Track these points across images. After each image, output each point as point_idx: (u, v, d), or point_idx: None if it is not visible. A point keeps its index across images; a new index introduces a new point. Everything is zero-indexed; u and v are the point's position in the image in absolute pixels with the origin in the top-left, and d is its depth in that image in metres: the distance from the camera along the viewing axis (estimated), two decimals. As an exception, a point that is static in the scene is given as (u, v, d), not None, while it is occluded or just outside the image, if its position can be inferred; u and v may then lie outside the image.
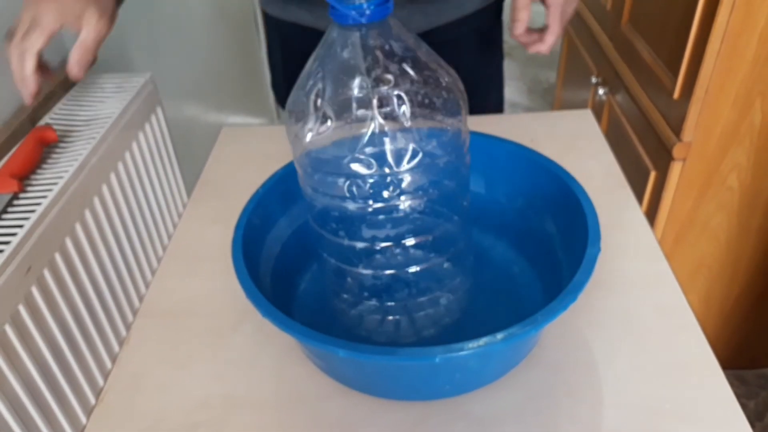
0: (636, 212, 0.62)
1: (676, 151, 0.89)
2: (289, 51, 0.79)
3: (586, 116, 0.78)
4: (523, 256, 0.55)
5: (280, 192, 0.53)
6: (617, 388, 0.45)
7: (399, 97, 0.37)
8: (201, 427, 0.44)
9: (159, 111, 0.70)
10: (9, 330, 0.48)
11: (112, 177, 0.60)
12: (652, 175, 0.97)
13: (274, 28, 0.78)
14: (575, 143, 0.73)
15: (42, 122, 0.62)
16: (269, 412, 0.45)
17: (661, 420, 0.43)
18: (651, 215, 0.98)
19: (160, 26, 1.11)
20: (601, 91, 1.21)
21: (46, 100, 0.64)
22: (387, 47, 0.38)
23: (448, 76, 0.40)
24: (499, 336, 0.37)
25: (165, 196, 0.71)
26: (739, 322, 1.11)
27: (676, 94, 0.89)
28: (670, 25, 0.91)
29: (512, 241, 0.56)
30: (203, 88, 1.24)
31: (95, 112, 0.62)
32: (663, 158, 0.93)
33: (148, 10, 1.08)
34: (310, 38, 0.48)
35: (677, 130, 0.89)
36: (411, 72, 0.38)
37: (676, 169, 0.91)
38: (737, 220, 0.97)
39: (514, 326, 0.38)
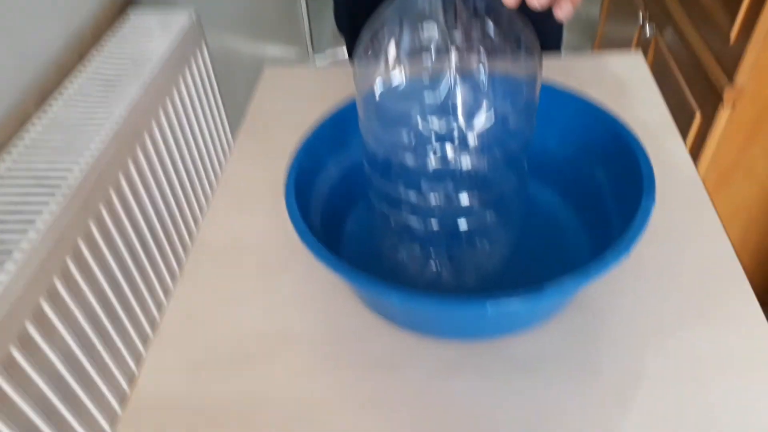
0: (687, 162, 0.61)
1: (727, 94, 0.86)
2: None
3: (637, 60, 0.75)
4: (570, 205, 0.55)
5: (329, 136, 0.54)
6: (660, 336, 0.46)
7: (475, 49, 0.36)
8: (253, 357, 0.47)
9: (204, 47, 0.70)
10: (72, 266, 0.50)
11: (161, 115, 0.61)
12: (698, 117, 0.95)
13: None
14: (625, 88, 0.71)
15: (90, 63, 0.63)
16: (318, 347, 0.47)
17: (704, 368, 0.44)
18: (693, 158, 0.96)
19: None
20: (648, 29, 1.16)
21: (94, 39, 0.64)
22: None
23: (526, 32, 0.39)
24: (550, 286, 0.38)
25: (210, 134, 0.72)
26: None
27: (732, 35, 0.85)
28: (729, -40, 0.86)
29: (559, 189, 0.56)
30: (241, 19, 1.22)
31: (142, 51, 0.62)
32: (711, 101, 0.90)
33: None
34: None
35: (730, 73, 0.86)
36: (490, 25, 0.37)
37: (724, 113, 0.88)
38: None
39: (565, 277, 0.38)
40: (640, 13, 1.21)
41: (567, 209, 0.55)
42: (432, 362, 0.46)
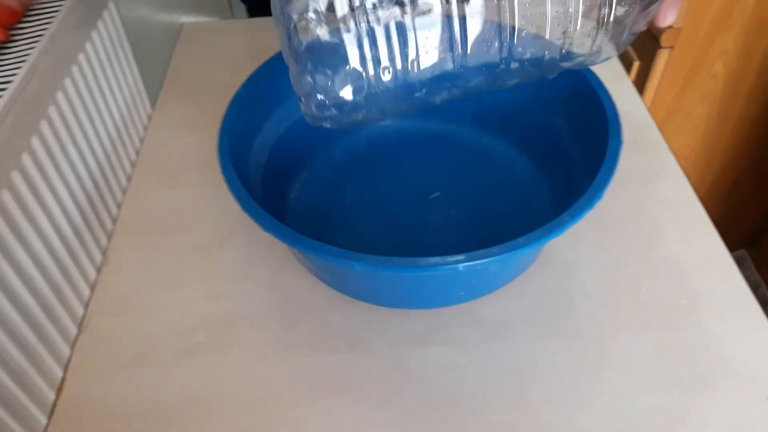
0: (639, 105, 0.59)
1: (665, 38, 0.86)
2: None
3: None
4: (527, 155, 0.52)
5: (262, 92, 0.48)
6: (632, 286, 0.44)
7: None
8: (201, 349, 0.42)
9: (111, 5, 0.62)
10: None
11: (67, 82, 0.54)
12: (636, 64, 0.94)
13: None
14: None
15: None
16: (272, 328, 0.43)
17: (678, 315, 0.42)
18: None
19: None
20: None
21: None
22: None
23: None
24: (524, 241, 0.34)
25: (126, 102, 0.64)
26: (710, 208, 1.13)
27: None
28: None
29: (515, 139, 0.53)
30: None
31: (39, 6, 0.54)
32: (649, 46, 0.89)
33: None
34: None
35: (666, 16, 0.85)
36: None
37: (662, 57, 0.88)
38: (718, 109, 0.96)
39: (540, 229, 0.35)
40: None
41: (524, 159, 0.52)
42: (398, 334, 0.42)
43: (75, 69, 0.55)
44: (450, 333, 0.42)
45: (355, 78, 0.34)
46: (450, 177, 0.52)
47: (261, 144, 0.48)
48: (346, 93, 0.35)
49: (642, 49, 0.93)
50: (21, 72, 0.47)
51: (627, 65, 0.96)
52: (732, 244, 1.20)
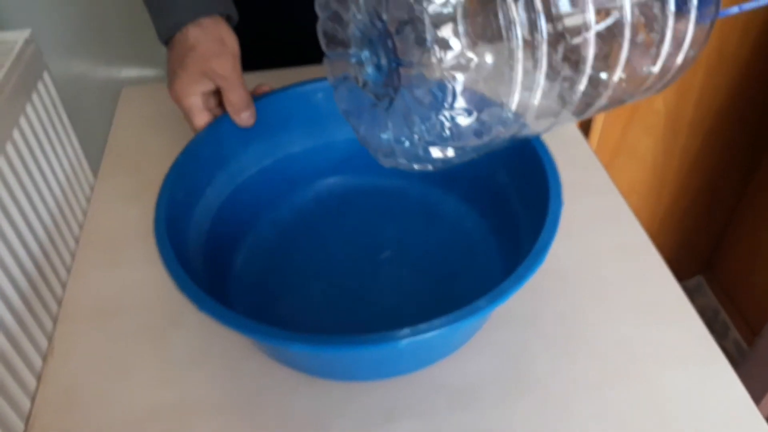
0: (584, 147, 0.60)
1: (606, 78, 0.88)
2: None
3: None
4: (476, 210, 0.52)
5: (203, 157, 0.47)
6: (592, 336, 0.44)
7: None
8: (153, 443, 0.39)
9: (46, 75, 0.60)
10: None
11: (1, 161, 0.51)
12: (580, 104, 0.96)
13: None
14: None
15: None
16: (229, 415, 0.41)
17: (641, 364, 0.42)
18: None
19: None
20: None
21: None
22: None
23: None
24: (467, 310, 0.34)
25: (66, 175, 0.62)
26: (662, 241, 1.15)
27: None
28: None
29: (463, 194, 0.53)
30: (88, 40, 1.10)
31: (-34, 85, 0.52)
32: (591, 86, 0.92)
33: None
34: None
35: (605, 57, 0.87)
36: None
37: (605, 97, 0.90)
38: (662, 143, 0.98)
39: (482, 299, 0.34)
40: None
41: (473, 215, 0.52)
42: (362, 411, 0.40)
43: (9, 147, 0.52)
44: (415, 404, 0.40)
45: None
46: (399, 234, 0.51)
47: (203, 211, 0.46)
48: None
49: (585, 88, 0.95)
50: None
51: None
52: (688, 271, 1.23)
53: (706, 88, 0.92)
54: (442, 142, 0.32)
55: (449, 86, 0.29)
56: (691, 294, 1.19)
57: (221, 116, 0.48)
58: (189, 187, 0.45)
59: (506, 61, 0.29)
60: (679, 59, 0.33)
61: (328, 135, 0.53)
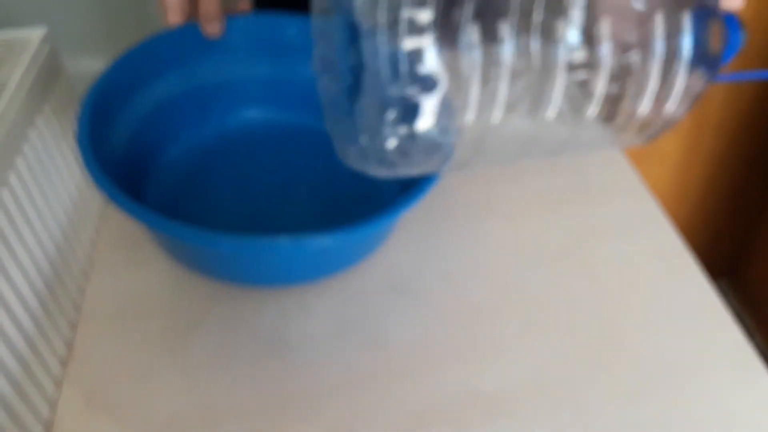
0: (618, 154, 0.59)
1: (630, 78, 0.86)
2: None
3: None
4: None
5: (152, 57, 0.50)
6: (629, 348, 0.42)
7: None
8: (176, 451, 0.38)
9: (63, 75, 0.59)
10: None
11: (19, 161, 0.50)
12: (603, 105, 0.95)
13: None
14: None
15: None
16: (257, 421, 0.39)
17: (679, 375, 0.40)
18: (601, 146, 0.96)
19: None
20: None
21: None
22: None
23: None
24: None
25: (84, 174, 0.61)
26: (687, 241, 1.13)
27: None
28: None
29: None
30: (100, 39, 1.10)
31: (-17, 84, 0.51)
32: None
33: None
34: None
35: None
36: None
37: (629, 97, 0.89)
38: (687, 143, 0.97)
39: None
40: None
41: None
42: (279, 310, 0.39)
43: (26, 147, 0.51)
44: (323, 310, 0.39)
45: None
46: (318, 167, 0.52)
47: (131, 115, 0.49)
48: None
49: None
50: (-33, 156, 0.44)
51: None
52: (711, 275, 1.21)
53: (732, 89, 0.91)
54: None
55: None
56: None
57: (188, 24, 0.49)
58: (127, 84, 0.48)
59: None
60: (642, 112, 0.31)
61: (289, 69, 0.54)
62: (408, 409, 0.39)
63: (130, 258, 0.50)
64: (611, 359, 0.41)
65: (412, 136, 0.28)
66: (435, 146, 0.30)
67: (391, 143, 0.29)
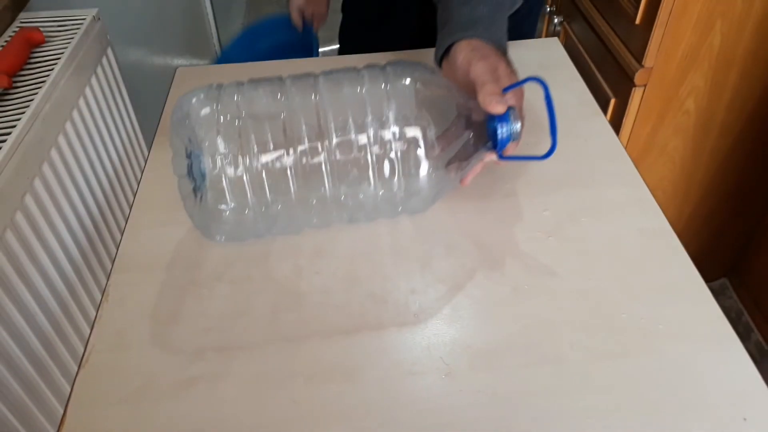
0: (612, 139, 0.63)
1: (638, 77, 0.90)
2: None
3: (554, 44, 0.77)
4: None
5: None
6: (610, 313, 0.46)
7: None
8: (199, 381, 0.43)
9: (110, 51, 0.65)
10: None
11: (68, 126, 0.56)
12: (612, 102, 0.98)
13: None
14: (545, 72, 0.72)
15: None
16: (267, 360, 0.44)
17: (655, 339, 0.44)
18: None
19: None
20: (556, 20, 1.20)
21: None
22: None
23: None
24: None
25: (123, 143, 0.67)
26: (688, 240, 1.16)
27: (638, 20, 0.88)
28: (629, -52, 0.90)
29: None
30: (147, 28, 1.15)
31: (40, 54, 0.57)
32: (624, 85, 0.94)
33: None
34: None
35: (639, 56, 0.89)
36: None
37: (637, 95, 0.92)
38: (692, 143, 0.99)
39: None
40: (547, 7, 1.24)
41: None
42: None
43: (75, 113, 0.57)
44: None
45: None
46: None
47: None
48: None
49: (617, 87, 0.97)
50: (24, 118, 0.49)
51: (604, 102, 1.00)
52: (713, 273, 1.23)
53: (740, 90, 0.93)
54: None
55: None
56: (716, 296, 1.19)
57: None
58: None
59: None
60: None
61: None
62: (401, 358, 0.44)
63: (161, 217, 0.55)
64: (593, 324, 0.45)
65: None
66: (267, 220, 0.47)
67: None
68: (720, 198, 1.09)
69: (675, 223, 1.10)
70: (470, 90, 0.48)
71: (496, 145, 0.48)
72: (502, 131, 0.47)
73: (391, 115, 0.46)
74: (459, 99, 0.48)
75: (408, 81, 0.47)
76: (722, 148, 1.01)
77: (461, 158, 0.48)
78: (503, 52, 0.53)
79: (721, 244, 1.17)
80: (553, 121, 0.48)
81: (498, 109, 0.46)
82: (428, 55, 0.57)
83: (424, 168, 0.47)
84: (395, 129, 0.46)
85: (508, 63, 0.51)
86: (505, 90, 0.48)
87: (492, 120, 0.47)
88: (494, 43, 0.52)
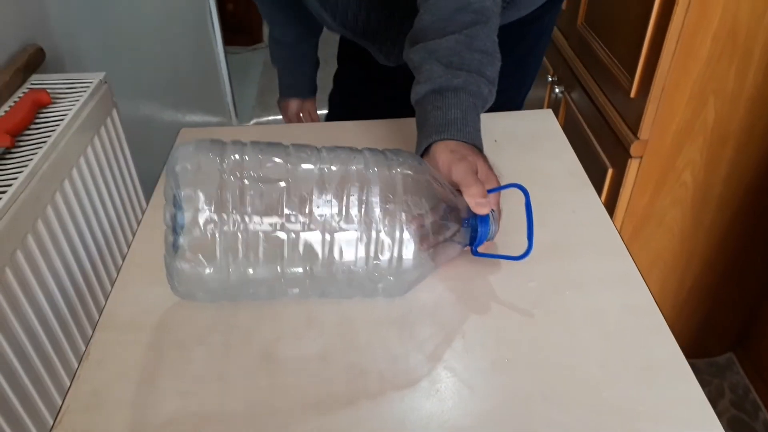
0: (600, 211, 0.63)
1: (634, 148, 0.91)
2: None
3: (547, 116, 0.78)
4: None
5: None
6: (590, 391, 0.46)
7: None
8: (171, 446, 0.43)
9: (114, 113, 0.67)
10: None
11: (66, 184, 0.58)
12: (610, 172, 0.99)
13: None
14: (537, 143, 0.73)
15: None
16: (241, 426, 0.44)
17: (636, 421, 0.43)
18: (609, 211, 0.99)
19: (113, 25, 1.07)
20: (557, 90, 1.23)
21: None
22: None
23: None
24: None
25: (123, 202, 0.68)
26: (691, 313, 1.14)
27: (632, 93, 0.90)
28: (625, 25, 0.93)
29: None
30: (158, 87, 1.20)
31: (45, 114, 0.59)
32: (620, 156, 0.95)
33: (100, 8, 1.03)
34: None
35: (634, 128, 0.91)
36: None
37: (633, 167, 0.93)
38: (691, 215, 1.00)
39: None
40: (549, 76, 1.28)
41: None
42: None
43: (75, 172, 0.59)
44: None
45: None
46: None
47: None
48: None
49: (614, 157, 0.98)
50: (21, 176, 0.51)
51: (602, 172, 1.01)
52: (719, 347, 1.21)
53: (737, 165, 0.94)
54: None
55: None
56: (722, 371, 1.17)
57: None
58: None
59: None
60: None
61: None
62: (375, 429, 0.43)
63: (152, 276, 0.56)
64: (572, 401, 0.45)
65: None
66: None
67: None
68: (722, 270, 1.08)
69: (676, 294, 1.09)
70: (454, 186, 0.52)
71: (472, 240, 0.52)
72: (482, 230, 0.51)
73: (379, 198, 0.47)
74: (446, 192, 0.51)
75: (399, 168, 0.49)
76: (722, 220, 1.01)
77: (436, 236, 0.49)
78: (479, 150, 0.56)
79: (725, 317, 1.16)
80: (531, 225, 0.52)
81: (484, 211, 0.50)
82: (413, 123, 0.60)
83: (408, 253, 0.48)
84: (382, 211, 0.47)
85: (485, 159, 0.55)
86: (489, 191, 0.51)
87: (474, 218, 0.51)
88: (469, 142, 0.55)
